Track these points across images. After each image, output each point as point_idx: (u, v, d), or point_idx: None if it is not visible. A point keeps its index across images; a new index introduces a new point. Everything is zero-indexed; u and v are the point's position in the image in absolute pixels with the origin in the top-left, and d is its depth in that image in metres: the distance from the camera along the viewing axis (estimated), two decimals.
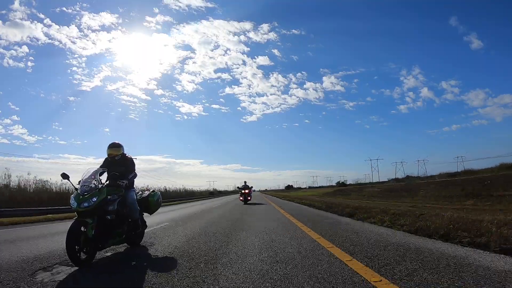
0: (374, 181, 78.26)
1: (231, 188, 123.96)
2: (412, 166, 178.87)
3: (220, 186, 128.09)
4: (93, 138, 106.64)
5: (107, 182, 4.08)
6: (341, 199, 27.26)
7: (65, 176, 4.00)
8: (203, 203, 27.44)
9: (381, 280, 2.52)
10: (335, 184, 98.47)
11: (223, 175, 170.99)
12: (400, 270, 2.79)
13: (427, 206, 16.03)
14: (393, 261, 3.14)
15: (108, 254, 4.18)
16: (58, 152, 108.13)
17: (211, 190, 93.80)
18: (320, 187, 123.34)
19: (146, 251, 4.38)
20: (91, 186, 3.78)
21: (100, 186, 3.87)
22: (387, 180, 77.53)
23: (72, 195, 3.76)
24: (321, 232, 5.29)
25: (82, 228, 3.56)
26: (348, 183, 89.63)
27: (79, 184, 3.90)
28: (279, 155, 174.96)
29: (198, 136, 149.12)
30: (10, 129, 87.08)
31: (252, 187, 21.15)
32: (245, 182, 20.54)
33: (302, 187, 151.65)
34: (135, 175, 4.64)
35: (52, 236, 6.31)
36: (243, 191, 20.12)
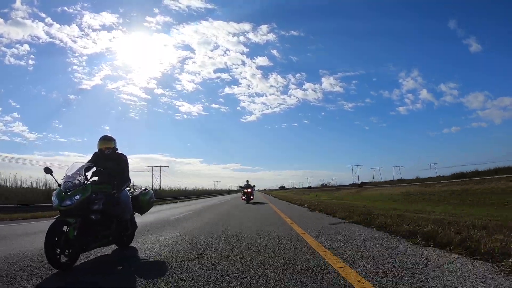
0: (354, 183, 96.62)
1: (232, 188, 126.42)
2: (389, 171, 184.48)
3: (222, 186, 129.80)
4: (93, 136, 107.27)
5: (93, 178, 3.76)
6: (300, 196, 38.92)
7: (48, 170, 3.70)
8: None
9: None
10: (321, 185, 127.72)
11: (223, 174, 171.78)
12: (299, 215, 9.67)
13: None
14: (298, 214, 10.30)
15: (93, 256, 3.87)
16: (58, 150, 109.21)
17: (227, 189, 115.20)
18: (314, 187, 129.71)
19: (136, 254, 4.06)
20: (75, 183, 3.47)
21: (85, 182, 3.56)
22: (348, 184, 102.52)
23: (55, 192, 3.45)
24: (274, 204, 17.73)
25: (64, 228, 3.27)
26: (331, 185, 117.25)
27: (63, 179, 3.60)
28: (278, 155, 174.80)
29: (198, 135, 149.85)
30: (11, 126, 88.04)
31: (254, 186, 20.81)
32: (247, 181, 20.26)
33: (297, 187, 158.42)
34: (129, 184, 4.40)
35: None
36: (245, 190, 19.73)
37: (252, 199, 19.89)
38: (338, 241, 4.33)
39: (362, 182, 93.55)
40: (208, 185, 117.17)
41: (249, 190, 19.60)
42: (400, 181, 64.90)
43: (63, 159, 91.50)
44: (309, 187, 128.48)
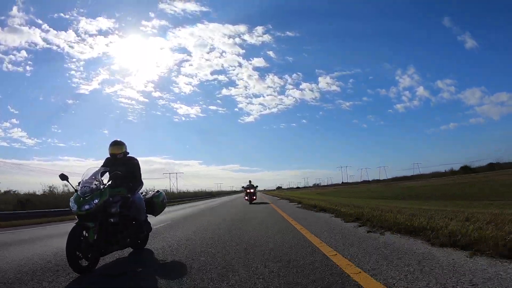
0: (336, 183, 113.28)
1: (234, 189, 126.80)
2: (376, 171, 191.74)
3: (224, 187, 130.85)
4: (92, 140, 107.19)
5: (109, 182, 3.80)
6: (286, 193, 47.21)
7: (63, 177, 3.73)
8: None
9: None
10: (312, 185, 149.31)
11: (222, 175, 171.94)
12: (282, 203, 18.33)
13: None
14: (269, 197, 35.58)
15: (112, 259, 3.91)
16: (57, 155, 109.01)
17: (233, 190, 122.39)
18: (303, 187, 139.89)
19: (152, 255, 4.10)
20: (92, 187, 3.50)
21: (101, 187, 3.60)
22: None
23: (72, 197, 3.48)
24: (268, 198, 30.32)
25: (84, 233, 3.30)
26: (322, 184, 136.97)
27: (79, 185, 3.63)
28: (277, 156, 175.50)
29: (197, 137, 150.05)
30: (10, 132, 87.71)
31: (257, 186, 20.58)
32: (250, 181, 20.08)
33: (293, 187, 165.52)
34: (142, 186, 4.45)
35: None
36: (248, 191, 19.48)
37: (255, 199, 19.58)
38: (277, 201, 19.52)
39: (342, 182, 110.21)
40: (210, 186, 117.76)
41: (251, 190, 19.33)
42: (365, 181, 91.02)
43: (63, 164, 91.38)
44: (298, 188, 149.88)
